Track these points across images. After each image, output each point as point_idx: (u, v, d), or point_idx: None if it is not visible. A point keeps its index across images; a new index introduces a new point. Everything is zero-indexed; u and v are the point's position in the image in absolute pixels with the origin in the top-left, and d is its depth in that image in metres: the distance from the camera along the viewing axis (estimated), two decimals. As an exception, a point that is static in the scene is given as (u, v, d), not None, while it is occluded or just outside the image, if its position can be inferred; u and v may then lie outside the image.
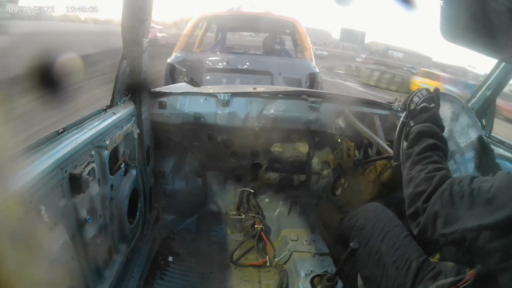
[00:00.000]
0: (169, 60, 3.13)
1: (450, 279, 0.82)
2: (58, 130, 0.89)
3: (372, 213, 1.16)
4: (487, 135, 1.49)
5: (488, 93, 1.44)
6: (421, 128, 0.93)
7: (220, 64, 3.11)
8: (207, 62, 3.12)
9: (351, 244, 1.01)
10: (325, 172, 1.94)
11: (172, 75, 3.01)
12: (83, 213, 0.95)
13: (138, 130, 1.38)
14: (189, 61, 3.11)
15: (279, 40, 4.14)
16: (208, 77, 3.06)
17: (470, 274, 0.77)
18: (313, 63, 3.21)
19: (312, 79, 3.01)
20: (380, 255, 1.02)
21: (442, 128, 0.95)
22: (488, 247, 0.66)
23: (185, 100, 1.63)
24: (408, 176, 0.88)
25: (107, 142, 1.10)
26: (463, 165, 1.17)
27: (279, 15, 3.75)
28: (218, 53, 3.49)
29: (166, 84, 2.92)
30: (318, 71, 3.17)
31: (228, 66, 3.07)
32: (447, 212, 0.73)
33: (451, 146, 1.13)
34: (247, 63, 3.13)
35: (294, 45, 3.95)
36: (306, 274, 1.32)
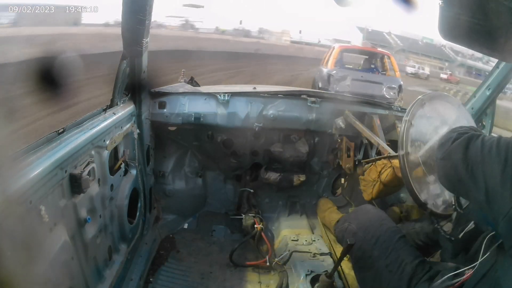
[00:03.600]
0: (325, 70, 5.87)
1: (447, 280, 0.82)
2: (58, 130, 0.89)
3: (364, 216, 1.16)
4: (487, 135, 1.49)
5: (488, 93, 1.44)
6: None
7: (356, 76, 5.67)
8: (350, 75, 5.63)
9: (348, 240, 1.01)
10: (325, 172, 1.94)
11: (329, 80, 5.55)
12: (83, 213, 0.95)
13: (138, 130, 1.38)
14: (338, 73, 5.62)
15: (374, 62, 6.72)
16: (348, 83, 5.44)
17: (467, 274, 0.77)
18: (400, 79, 5.94)
19: (400, 87, 5.63)
20: (373, 259, 1.02)
21: None
22: None
23: (185, 100, 1.63)
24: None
25: (107, 142, 1.10)
26: None
27: (381, 49, 7.00)
28: (354, 70, 6.38)
29: (322, 86, 5.56)
30: (402, 83, 5.84)
31: (361, 79, 5.63)
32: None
33: None
34: (371, 77, 5.79)
35: (382, 65, 6.42)
36: (306, 274, 1.32)
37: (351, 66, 6.68)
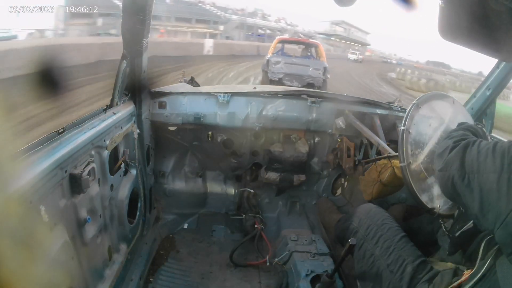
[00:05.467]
0: (266, 57, 7.49)
1: (446, 281, 0.82)
2: (58, 130, 0.89)
3: (365, 215, 1.16)
4: (484, 138, 1.48)
5: (488, 93, 1.44)
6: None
7: (288, 61, 7.34)
8: (283, 60, 7.30)
9: (350, 240, 1.01)
10: (325, 172, 1.94)
11: (267, 63, 7.26)
12: (83, 213, 0.95)
13: (138, 130, 1.38)
14: (274, 58, 7.31)
15: (310, 50, 8.55)
16: (281, 66, 7.10)
17: (466, 274, 0.77)
18: (325, 62, 7.45)
19: (325, 68, 7.21)
20: (374, 258, 1.02)
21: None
22: None
23: (185, 100, 1.63)
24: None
25: (107, 142, 1.10)
26: None
27: (312, 40, 9.89)
28: (287, 56, 7.87)
29: (264, 69, 7.38)
30: (327, 65, 7.37)
31: (292, 62, 7.32)
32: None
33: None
34: (301, 61, 7.60)
35: (316, 53, 8.23)
36: (306, 274, 1.32)
37: (291, 54, 8.29)
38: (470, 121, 1.21)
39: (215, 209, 1.95)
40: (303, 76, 7.15)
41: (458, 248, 0.97)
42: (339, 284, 1.30)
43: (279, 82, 7.10)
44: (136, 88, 1.36)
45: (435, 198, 1.05)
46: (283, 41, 8.49)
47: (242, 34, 24.11)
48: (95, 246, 1.04)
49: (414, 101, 1.16)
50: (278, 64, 7.21)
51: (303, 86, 6.87)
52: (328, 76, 7.46)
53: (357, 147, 1.71)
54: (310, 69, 7.22)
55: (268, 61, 7.35)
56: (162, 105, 1.59)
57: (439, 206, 1.03)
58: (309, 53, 8.30)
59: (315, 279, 1.30)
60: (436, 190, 1.06)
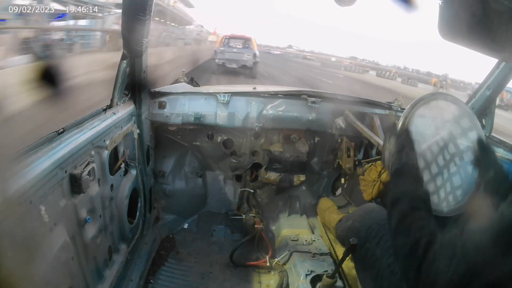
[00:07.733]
0: (214, 49, 12.00)
1: None
2: (58, 130, 0.89)
3: (368, 214, 1.15)
4: (487, 135, 1.48)
5: (488, 93, 1.44)
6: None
7: (229, 50, 11.61)
8: (225, 49, 11.57)
9: (351, 240, 1.01)
10: (325, 172, 1.94)
11: (215, 52, 11.61)
12: (83, 213, 0.95)
13: (138, 130, 1.38)
14: (219, 49, 11.60)
15: (247, 43, 12.09)
16: (224, 54, 11.39)
17: None
18: (256, 49, 11.88)
19: (254, 54, 11.50)
20: (375, 258, 1.01)
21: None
22: None
23: (185, 100, 1.63)
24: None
25: (107, 142, 1.10)
26: (462, 168, 1.16)
27: (248, 36, 12.60)
28: (229, 47, 11.86)
29: (213, 57, 11.93)
30: (257, 52, 11.77)
31: (231, 51, 11.56)
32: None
33: (451, 148, 1.13)
34: (238, 49, 11.79)
35: (249, 44, 12.02)
36: (306, 274, 1.32)
37: (233, 46, 11.76)
38: (474, 120, 1.19)
39: (215, 209, 1.95)
40: (238, 60, 11.13)
41: None
42: (339, 284, 1.30)
43: (223, 65, 11.01)
44: (136, 88, 1.36)
45: (441, 200, 1.05)
46: (226, 38, 12.28)
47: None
48: (95, 246, 1.04)
49: (421, 96, 1.15)
50: (222, 53, 11.16)
51: (238, 67, 11.16)
52: (258, 60, 11.44)
53: (357, 147, 1.71)
54: (244, 55, 11.20)
55: (215, 51, 11.38)
56: (162, 105, 1.59)
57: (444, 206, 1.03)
58: (247, 45, 11.92)
59: (315, 279, 1.30)
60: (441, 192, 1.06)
